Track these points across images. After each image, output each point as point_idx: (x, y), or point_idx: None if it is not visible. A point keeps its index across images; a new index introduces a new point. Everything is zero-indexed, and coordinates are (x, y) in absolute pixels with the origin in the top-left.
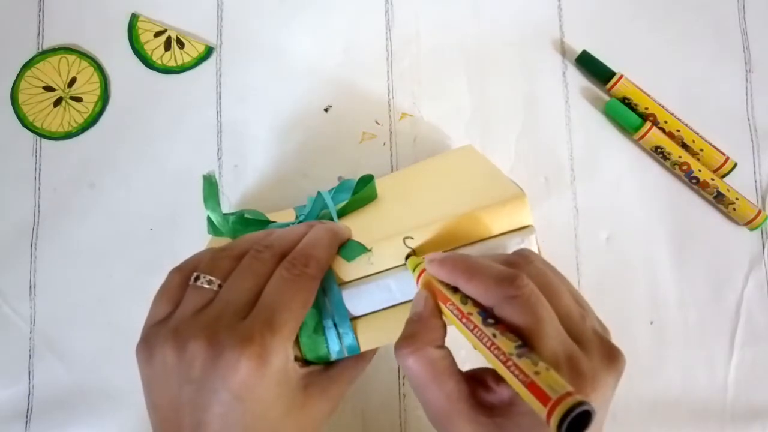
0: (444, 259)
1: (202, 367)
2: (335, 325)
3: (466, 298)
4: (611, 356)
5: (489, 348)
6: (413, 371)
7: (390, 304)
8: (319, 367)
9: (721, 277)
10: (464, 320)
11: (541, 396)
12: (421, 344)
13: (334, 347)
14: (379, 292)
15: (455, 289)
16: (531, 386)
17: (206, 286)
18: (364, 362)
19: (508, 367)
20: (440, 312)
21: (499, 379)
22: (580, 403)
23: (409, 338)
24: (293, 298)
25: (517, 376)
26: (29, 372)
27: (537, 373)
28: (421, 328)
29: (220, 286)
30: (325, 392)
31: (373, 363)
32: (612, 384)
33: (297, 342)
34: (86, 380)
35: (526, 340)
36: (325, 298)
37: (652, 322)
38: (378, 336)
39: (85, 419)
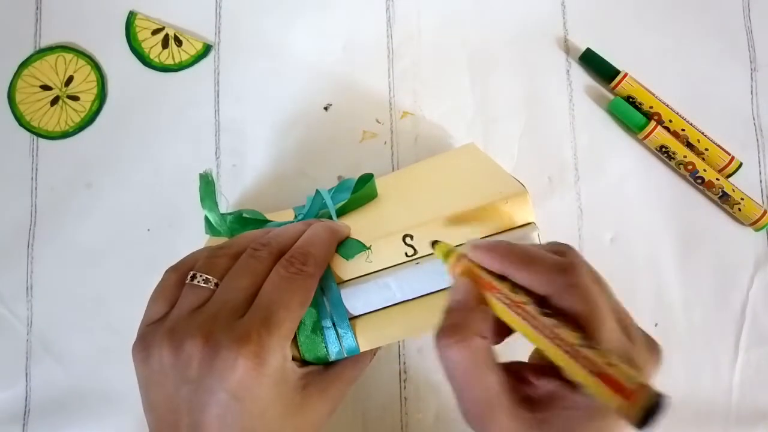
0: (494, 246)
1: (198, 366)
2: (334, 324)
3: (515, 287)
4: (655, 349)
5: (552, 340)
6: (455, 362)
7: (389, 304)
8: (318, 367)
9: (726, 278)
10: (519, 311)
11: (618, 387)
12: (467, 333)
13: (333, 347)
14: (379, 291)
15: (501, 278)
16: (604, 377)
17: (203, 285)
18: (364, 362)
19: (576, 358)
20: (484, 301)
21: (538, 372)
22: (658, 395)
23: (453, 327)
24: (291, 297)
25: (587, 368)
26: (26, 374)
27: (610, 364)
28: (467, 318)
29: (216, 285)
30: (324, 393)
31: (374, 364)
32: (654, 377)
33: (295, 342)
34: (84, 382)
35: (582, 330)
36: (323, 297)
37: (656, 324)
38: (378, 336)
39: (82, 421)
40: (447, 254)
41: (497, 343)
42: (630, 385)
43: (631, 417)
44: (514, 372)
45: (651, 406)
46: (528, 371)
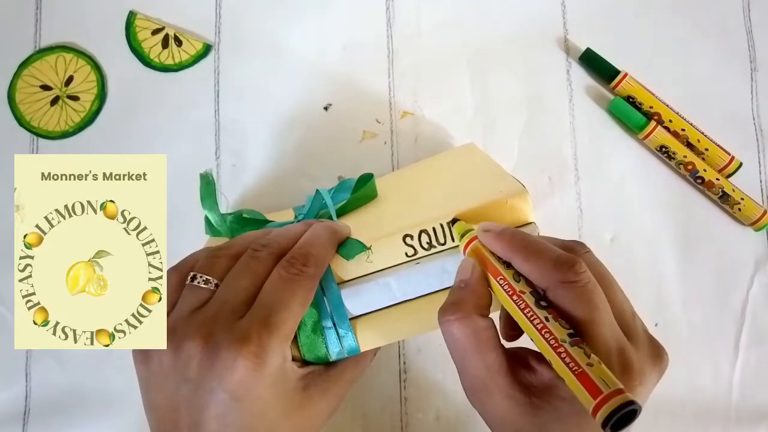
0: (502, 233)
1: (198, 366)
2: (335, 324)
3: (518, 276)
4: (658, 354)
5: (540, 331)
6: (456, 338)
7: (390, 303)
8: (319, 368)
9: (726, 278)
10: (515, 298)
11: (592, 388)
12: (468, 311)
13: (334, 348)
14: (379, 291)
15: (507, 264)
16: (581, 376)
17: (203, 285)
18: (365, 362)
19: (559, 354)
20: (488, 282)
21: (541, 360)
22: (629, 402)
23: (455, 305)
24: (291, 298)
25: (567, 364)
26: (26, 374)
27: (590, 364)
28: (468, 295)
29: (217, 285)
30: (324, 393)
31: (375, 365)
32: (655, 381)
33: (296, 342)
34: (84, 382)
35: (577, 327)
36: (324, 297)
37: (656, 324)
38: (378, 336)
39: (82, 421)
40: (462, 234)
41: (514, 338)
42: (603, 388)
43: (598, 420)
44: (517, 356)
45: (618, 412)
46: (531, 357)
